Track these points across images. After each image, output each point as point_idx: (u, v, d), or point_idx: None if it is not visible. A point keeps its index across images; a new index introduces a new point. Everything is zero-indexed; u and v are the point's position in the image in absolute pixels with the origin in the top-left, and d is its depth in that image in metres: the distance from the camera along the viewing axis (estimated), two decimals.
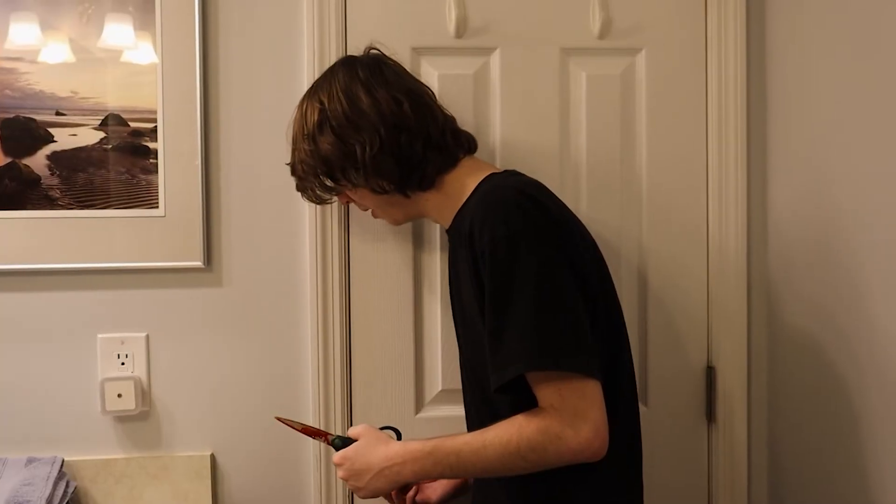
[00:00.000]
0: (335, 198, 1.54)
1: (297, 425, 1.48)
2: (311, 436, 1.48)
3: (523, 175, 1.42)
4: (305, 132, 1.42)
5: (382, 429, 1.44)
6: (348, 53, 1.59)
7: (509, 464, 1.23)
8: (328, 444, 1.44)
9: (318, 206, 1.64)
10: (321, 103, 1.41)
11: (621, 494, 1.35)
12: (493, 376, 1.23)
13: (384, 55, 1.49)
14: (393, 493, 1.44)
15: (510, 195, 1.27)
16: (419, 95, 1.43)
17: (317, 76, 1.52)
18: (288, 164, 1.51)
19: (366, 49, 1.50)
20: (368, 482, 1.35)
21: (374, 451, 1.36)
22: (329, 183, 1.46)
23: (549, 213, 1.27)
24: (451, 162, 1.42)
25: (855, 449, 1.48)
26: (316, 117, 1.41)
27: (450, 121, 1.47)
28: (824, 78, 1.55)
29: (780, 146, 1.71)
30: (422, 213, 1.49)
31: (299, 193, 1.53)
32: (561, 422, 1.19)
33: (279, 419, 1.48)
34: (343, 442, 1.41)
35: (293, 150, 1.47)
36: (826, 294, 1.55)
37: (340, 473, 1.39)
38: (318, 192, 1.49)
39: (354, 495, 1.64)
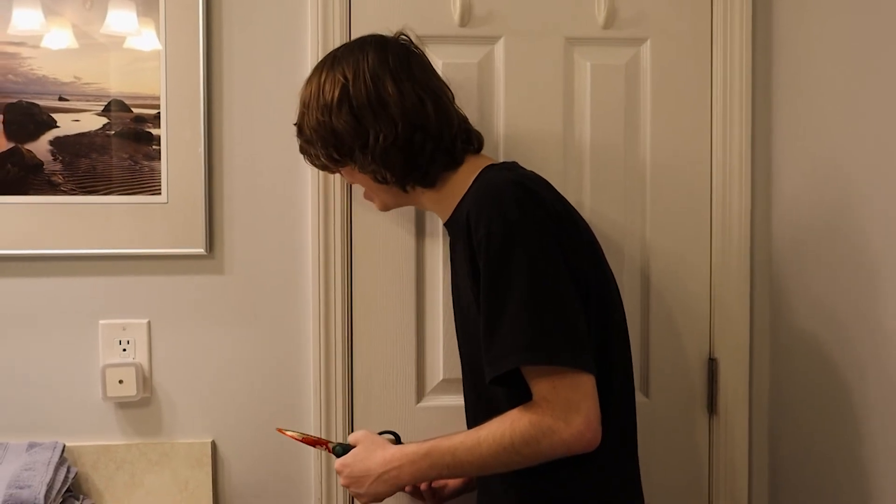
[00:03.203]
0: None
1: (297, 435, 1.49)
2: (311, 444, 1.49)
3: (521, 168, 1.41)
4: (322, 102, 1.38)
5: (382, 433, 1.45)
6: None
7: (504, 459, 1.24)
8: (329, 451, 1.45)
9: (321, 196, 1.65)
10: (345, 78, 1.37)
11: (617, 487, 1.35)
12: (488, 369, 1.23)
13: (413, 44, 1.46)
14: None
15: (507, 188, 1.26)
16: (440, 96, 1.41)
17: None
18: (295, 125, 1.47)
19: (396, 33, 1.46)
20: (369, 487, 1.36)
21: (372, 456, 1.36)
22: (335, 155, 1.42)
23: (546, 207, 1.26)
24: (456, 163, 1.40)
25: (855, 442, 1.47)
26: (337, 92, 1.37)
27: (463, 122, 1.45)
28: (832, 64, 1.54)
29: (786, 137, 1.70)
30: (416, 205, 1.49)
31: (302, 155, 1.49)
32: (553, 414, 1.19)
33: (280, 431, 1.50)
34: (343, 449, 1.42)
35: (302, 113, 1.43)
36: (829, 286, 1.55)
37: (341, 480, 1.41)
38: (321, 158, 1.45)
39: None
